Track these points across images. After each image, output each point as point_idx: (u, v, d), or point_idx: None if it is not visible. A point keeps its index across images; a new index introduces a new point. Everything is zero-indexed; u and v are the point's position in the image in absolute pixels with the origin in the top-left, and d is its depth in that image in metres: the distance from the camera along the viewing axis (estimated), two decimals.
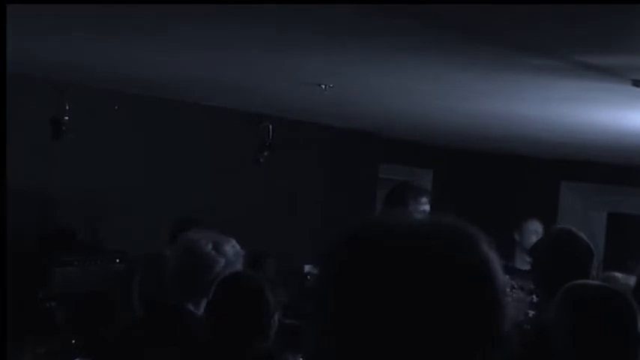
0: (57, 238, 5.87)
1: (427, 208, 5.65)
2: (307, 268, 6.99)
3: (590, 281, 3.22)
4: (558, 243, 3.90)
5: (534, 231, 6.71)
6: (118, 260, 5.88)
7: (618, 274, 4.42)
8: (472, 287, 1.10)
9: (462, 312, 1.09)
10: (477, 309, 1.10)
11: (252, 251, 5.55)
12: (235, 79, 5.41)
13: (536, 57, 3.75)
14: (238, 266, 3.91)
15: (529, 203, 9.10)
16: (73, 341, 4.51)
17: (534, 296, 5.93)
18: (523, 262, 6.36)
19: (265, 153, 6.96)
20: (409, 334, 1.08)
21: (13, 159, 5.06)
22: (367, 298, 1.10)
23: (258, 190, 7.30)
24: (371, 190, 8.32)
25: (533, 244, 5.13)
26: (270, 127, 6.93)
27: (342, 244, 1.16)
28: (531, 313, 6.06)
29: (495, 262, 1.14)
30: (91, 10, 3.57)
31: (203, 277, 3.79)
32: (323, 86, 5.13)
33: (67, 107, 5.79)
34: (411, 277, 1.09)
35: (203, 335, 3.67)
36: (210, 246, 3.83)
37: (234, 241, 3.93)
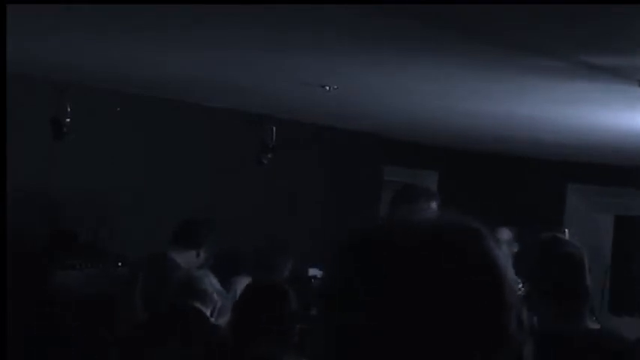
0: (58, 240, 5.85)
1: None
2: (312, 271, 6.95)
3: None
4: (545, 249, 3.78)
5: (505, 241, 6.52)
6: (119, 263, 5.87)
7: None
8: (482, 287, 1.12)
9: (473, 311, 1.11)
10: (487, 308, 1.12)
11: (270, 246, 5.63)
12: (235, 80, 5.40)
13: (536, 57, 3.73)
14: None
15: (534, 205, 9.07)
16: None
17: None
18: None
19: (269, 155, 6.94)
20: (420, 332, 1.10)
21: (13, 159, 5.06)
22: (379, 297, 1.11)
23: (258, 191, 7.27)
24: (374, 191, 8.29)
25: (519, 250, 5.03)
26: (274, 129, 6.91)
27: (352, 245, 1.17)
28: None
29: (504, 261, 1.15)
30: (91, 10, 3.56)
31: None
32: (327, 87, 5.12)
33: (69, 108, 5.77)
34: (423, 276, 1.11)
35: (217, 335, 3.74)
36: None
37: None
